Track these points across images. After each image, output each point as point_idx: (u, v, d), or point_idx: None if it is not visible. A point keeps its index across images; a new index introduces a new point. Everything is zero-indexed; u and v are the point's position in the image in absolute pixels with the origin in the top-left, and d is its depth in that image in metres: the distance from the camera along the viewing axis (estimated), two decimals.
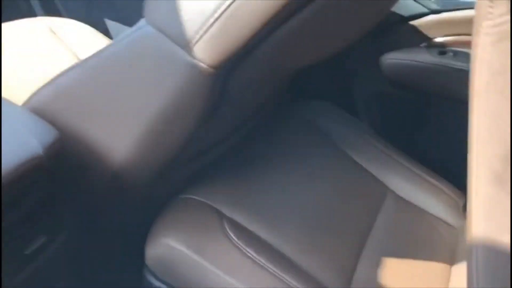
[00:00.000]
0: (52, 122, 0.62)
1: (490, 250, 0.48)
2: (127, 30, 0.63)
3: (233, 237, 0.73)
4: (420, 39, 1.07)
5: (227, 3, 0.54)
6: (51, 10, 1.42)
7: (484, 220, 0.48)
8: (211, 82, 0.59)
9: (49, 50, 0.96)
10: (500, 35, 0.44)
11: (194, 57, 0.57)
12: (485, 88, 0.46)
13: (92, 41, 1.01)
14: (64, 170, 0.63)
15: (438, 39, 1.07)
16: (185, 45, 0.57)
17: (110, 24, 1.35)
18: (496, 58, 0.44)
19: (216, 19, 0.56)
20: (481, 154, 0.47)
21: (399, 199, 0.93)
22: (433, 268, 0.83)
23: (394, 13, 1.08)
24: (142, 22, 0.62)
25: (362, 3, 0.69)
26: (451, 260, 0.85)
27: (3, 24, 1.05)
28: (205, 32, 0.56)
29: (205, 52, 0.56)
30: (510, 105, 0.45)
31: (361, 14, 0.75)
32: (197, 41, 0.57)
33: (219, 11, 0.55)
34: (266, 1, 0.54)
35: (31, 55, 0.96)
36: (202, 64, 0.57)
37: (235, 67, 0.61)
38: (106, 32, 1.30)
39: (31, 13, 1.43)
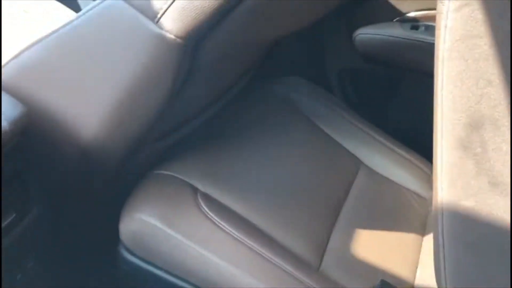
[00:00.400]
0: (19, 97, 0.61)
1: (455, 215, 0.49)
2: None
3: (207, 210, 0.73)
4: (392, 13, 1.08)
5: None
6: None
7: (448, 185, 0.49)
8: (180, 53, 0.58)
9: (11, 25, 0.93)
10: (462, 1, 0.45)
11: (161, 28, 0.57)
12: (448, 55, 0.46)
13: (60, 16, 0.98)
14: (32, 146, 0.62)
15: (411, 14, 1.07)
16: (152, 15, 0.56)
17: (82, 2, 1.31)
18: (459, 24, 0.45)
19: None
20: (445, 121, 0.48)
21: (372, 172, 0.95)
22: (406, 239, 0.85)
23: None
24: None
25: None
26: (422, 231, 0.87)
27: None
28: (172, 2, 0.55)
29: (173, 23, 0.56)
30: (473, 72, 0.46)
31: None
32: (164, 12, 0.56)
33: None
34: None
35: None
36: (169, 35, 0.56)
37: (204, 38, 0.60)
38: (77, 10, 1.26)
39: None
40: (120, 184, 0.76)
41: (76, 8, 1.27)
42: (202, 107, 0.85)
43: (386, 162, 0.97)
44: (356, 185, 0.91)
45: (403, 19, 1.07)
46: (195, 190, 0.76)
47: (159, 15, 0.56)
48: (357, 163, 0.95)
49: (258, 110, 0.98)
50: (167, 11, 0.55)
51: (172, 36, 0.56)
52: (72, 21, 0.61)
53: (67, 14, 1.01)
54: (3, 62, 0.65)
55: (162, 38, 0.57)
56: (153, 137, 0.75)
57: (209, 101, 0.85)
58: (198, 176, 0.79)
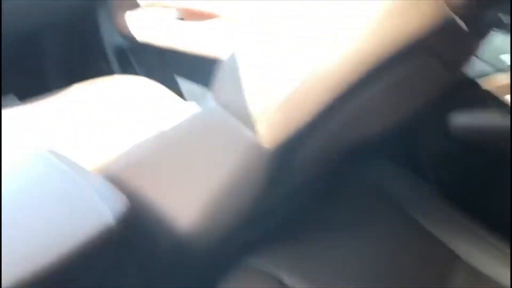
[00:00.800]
0: (124, 191, 0.66)
1: None
2: (198, 89, 0.67)
3: None
4: (488, 99, 1.04)
5: (292, 85, 0.57)
6: (127, 68, 1.50)
7: None
8: (272, 160, 0.61)
9: (123, 112, 1.03)
10: None
11: (256, 135, 0.60)
12: None
13: (165, 102, 1.08)
14: (132, 238, 0.66)
15: (508, 99, 1.03)
16: (248, 123, 0.60)
17: (184, 84, 1.41)
18: None
19: (280, 100, 0.58)
20: None
21: (470, 269, 0.88)
22: None
23: (461, 72, 1.06)
24: (211, 98, 0.66)
25: (427, 75, 0.69)
26: None
27: (82, 84, 1.15)
28: (268, 112, 0.59)
29: (267, 131, 0.59)
30: None
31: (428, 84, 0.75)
32: (259, 120, 0.59)
33: (283, 93, 0.57)
34: (330, 84, 0.56)
35: (105, 116, 1.03)
36: (263, 143, 0.60)
37: (297, 146, 0.62)
38: (179, 91, 1.36)
39: (109, 71, 1.52)
40: (208, 273, 0.78)
41: (175, 85, 1.36)
42: (289, 198, 0.86)
43: (487, 259, 0.90)
44: (452, 282, 0.85)
45: (499, 105, 1.03)
46: (281, 284, 0.76)
47: (254, 123, 0.60)
48: (454, 259, 0.89)
49: (346, 197, 0.98)
50: (262, 120, 0.59)
51: (265, 144, 0.59)
52: (179, 125, 0.67)
53: (167, 95, 1.11)
54: (107, 147, 0.72)
55: (256, 146, 0.60)
56: (242, 229, 0.77)
57: (295, 192, 0.87)
58: (284, 269, 0.79)
